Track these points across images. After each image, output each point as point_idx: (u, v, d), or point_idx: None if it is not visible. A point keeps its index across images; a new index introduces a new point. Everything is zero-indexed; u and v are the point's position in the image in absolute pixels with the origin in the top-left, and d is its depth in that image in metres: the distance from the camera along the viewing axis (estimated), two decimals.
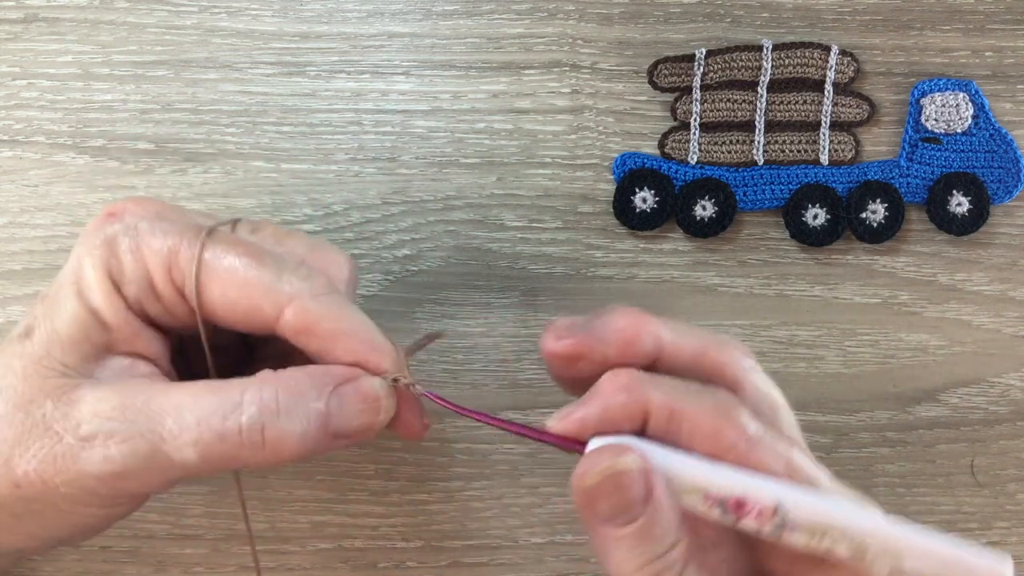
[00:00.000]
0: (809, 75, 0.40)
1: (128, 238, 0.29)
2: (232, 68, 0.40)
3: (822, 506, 0.26)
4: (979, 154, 0.40)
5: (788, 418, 0.30)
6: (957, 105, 0.40)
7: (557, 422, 0.28)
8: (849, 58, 0.40)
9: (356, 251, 0.40)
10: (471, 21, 0.40)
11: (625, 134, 0.40)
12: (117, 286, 0.28)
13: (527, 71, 0.40)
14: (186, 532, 0.40)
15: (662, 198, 0.40)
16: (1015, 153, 0.40)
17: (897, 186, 0.40)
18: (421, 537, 0.41)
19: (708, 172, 0.40)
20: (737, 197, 0.40)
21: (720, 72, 0.40)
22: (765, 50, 0.40)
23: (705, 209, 0.40)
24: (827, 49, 0.40)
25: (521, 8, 0.40)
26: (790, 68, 0.40)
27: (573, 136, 0.40)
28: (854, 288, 0.41)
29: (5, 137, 0.40)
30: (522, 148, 0.40)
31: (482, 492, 0.41)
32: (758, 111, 0.40)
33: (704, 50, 0.40)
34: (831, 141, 0.40)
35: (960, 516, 0.41)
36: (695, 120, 0.40)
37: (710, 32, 0.40)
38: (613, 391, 0.28)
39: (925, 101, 0.40)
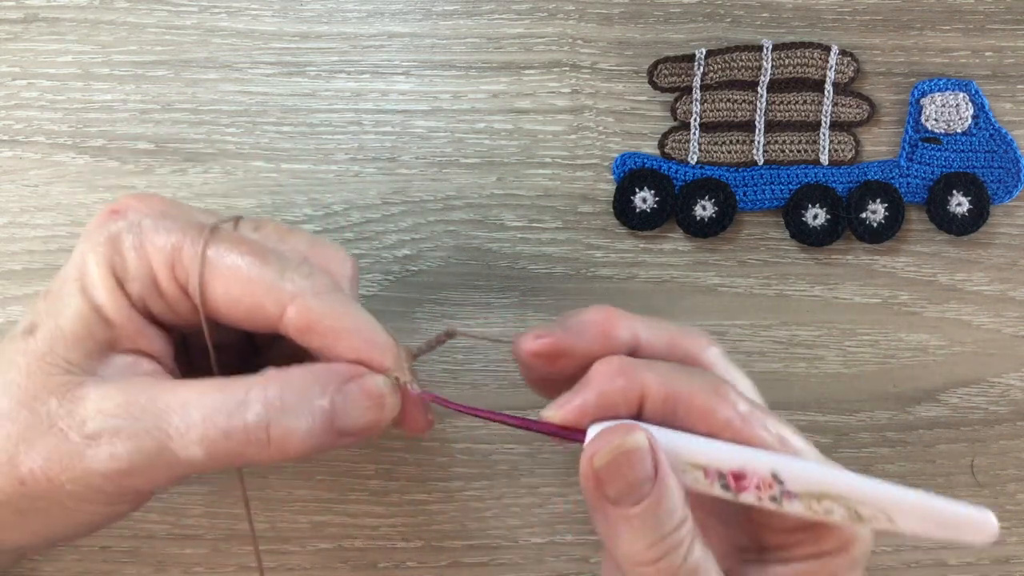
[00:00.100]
0: (809, 75, 0.40)
1: (132, 235, 0.29)
2: (232, 68, 0.40)
3: (817, 473, 0.27)
4: (979, 154, 0.40)
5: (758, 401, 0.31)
6: (957, 105, 0.40)
7: (555, 411, 0.28)
8: (849, 58, 0.40)
9: (356, 251, 0.40)
10: (471, 21, 0.40)
11: (625, 134, 0.40)
12: (121, 283, 0.28)
13: (527, 71, 0.40)
14: (186, 532, 0.40)
15: (662, 198, 0.40)
16: (1015, 153, 0.40)
17: (897, 186, 0.40)
18: (421, 537, 0.41)
19: (708, 172, 0.40)
20: (737, 197, 0.40)
21: (720, 72, 0.40)
22: (765, 50, 0.40)
23: (705, 209, 0.40)
24: (827, 49, 0.40)
25: (521, 8, 0.40)
26: (790, 68, 0.40)
27: (573, 136, 0.40)
28: (854, 288, 0.41)
29: (5, 137, 0.40)
30: (522, 148, 0.40)
31: (482, 492, 0.41)
32: (758, 111, 0.40)
33: (704, 50, 0.40)
34: (831, 141, 0.40)
35: None
36: (695, 120, 0.40)
37: (710, 32, 0.40)
38: (609, 376, 0.28)
39: (925, 101, 0.40)
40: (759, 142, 0.40)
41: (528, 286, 0.41)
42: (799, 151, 0.41)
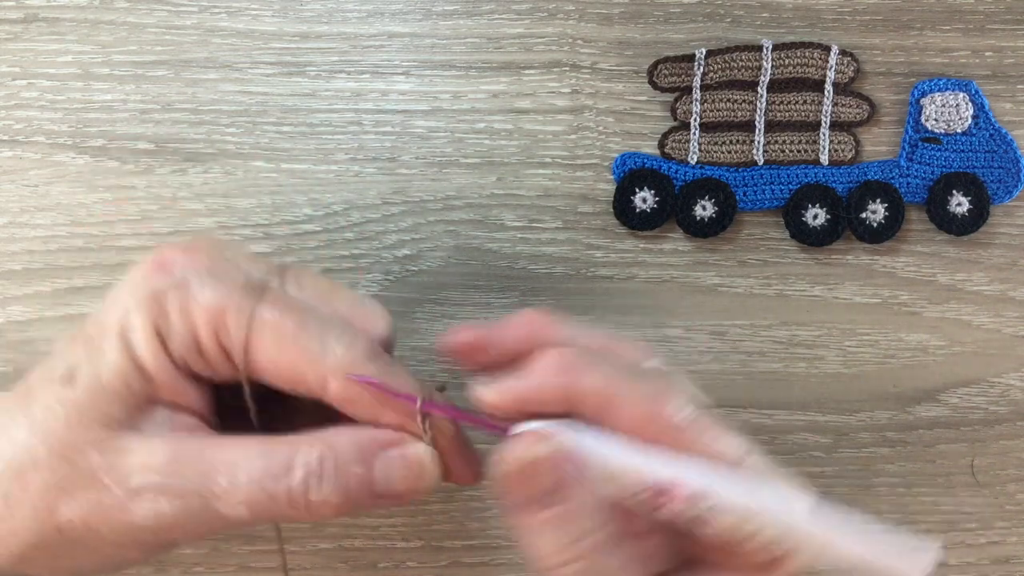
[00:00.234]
0: (809, 75, 0.40)
1: (177, 295, 0.28)
2: (232, 68, 0.40)
3: (744, 496, 0.27)
4: (979, 154, 0.40)
5: None
6: (957, 105, 0.40)
7: (490, 393, 0.28)
8: (849, 58, 0.40)
9: (356, 251, 0.40)
10: (471, 21, 0.40)
11: (625, 134, 0.40)
12: (164, 342, 0.28)
13: (527, 71, 0.40)
14: None
15: (662, 198, 0.40)
16: (1015, 153, 0.40)
17: (897, 186, 0.40)
18: (421, 537, 0.41)
19: (708, 172, 0.40)
20: (737, 197, 0.40)
21: (720, 72, 0.40)
22: (765, 50, 0.40)
23: (705, 209, 0.40)
24: (827, 49, 0.40)
25: (521, 8, 0.40)
26: (790, 68, 0.40)
27: (573, 136, 0.40)
28: (854, 288, 0.41)
29: (5, 137, 0.40)
30: (522, 148, 0.40)
31: (482, 492, 0.41)
32: (758, 111, 0.40)
33: (704, 50, 0.40)
34: (831, 141, 0.40)
35: (960, 516, 0.41)
36: (695, 120, 0.40)
37: (710, 32, 0.40)
38: (549, 372, 0.28)
39: (925, 101, 0.40)
40: (759, 142, 0.40)
41: (528, 286, 0.41)
42: (799, 151, 0.41)
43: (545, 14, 0.40)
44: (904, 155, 0.40)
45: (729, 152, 0.41)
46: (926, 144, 0.40)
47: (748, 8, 0.40)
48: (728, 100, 0.40)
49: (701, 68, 0.40)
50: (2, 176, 0.40)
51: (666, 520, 0.27)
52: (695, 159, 0.41)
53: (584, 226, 0.41)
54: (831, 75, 0.40)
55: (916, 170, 0.40)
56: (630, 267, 0.41)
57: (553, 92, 0.40)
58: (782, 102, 0.40)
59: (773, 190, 0.40)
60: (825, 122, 0.40)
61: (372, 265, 0.40)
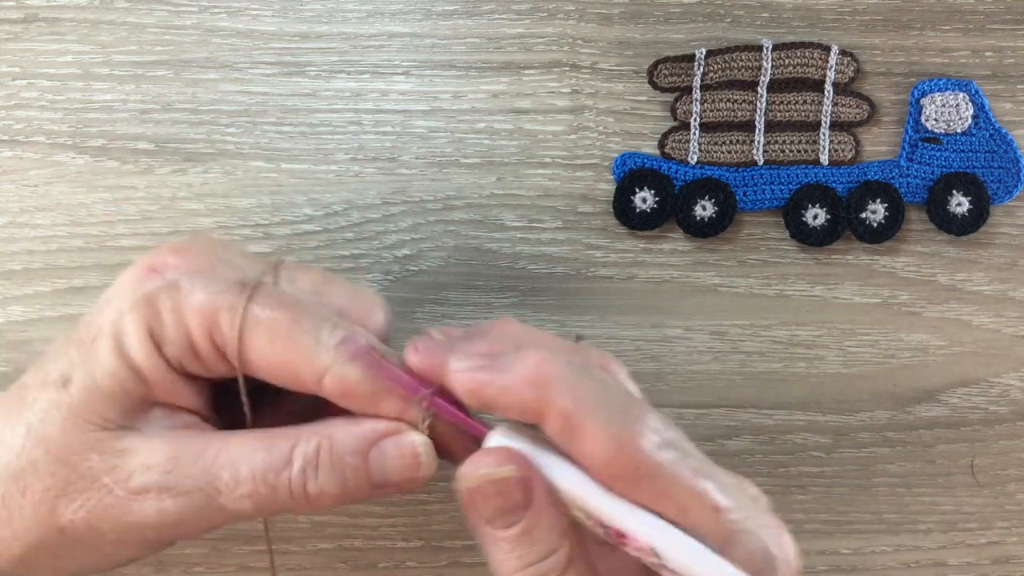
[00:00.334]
0: (809, 75, 0.40)
1: (169, 297, 0.28)
2: (232, 68, 0.40)
3: (695, 561, 0.26)
4: (979, 154, 0.40)
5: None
6: (957, 105, 0.40)
7: (463, 369, 0.28)
8: (849, 58, 0.40)
9: (356, 251, 0.40)
10: (471, 21, 0.40)
11: (625, 134, 0.40)
12: (158, 345, 0.28)
13: (527, 71, 0.40)
14: None
15: (662, 198, 0.40)
16: (1015, 153, 0.40)
17: (897, 186, 0.40)
18: (421, 537, 0.41)
19: (708, 172, 0.40)
20: (737, 197, 0.40)
21: (720, 72, 0.40)
22: (765, 50, 0.40)
23: (705, 209, 0.40)
24: (827, 49, 0.40)
25: (521, 8, 0.40)
26: (790, 68, 0.40)
27: (573, 136, 0.40)
28: (854, 288, 0.41)
29: (5, 137, 0.40)
30: (522, 148, 0.40)
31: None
32: (758, 111, 0.40)
33: (704, 50, 0.40)
34: (831, 141, 0.40)
35: (960, 516, 0.41)
36: (695, 120, 0.40)
37: (710, 32, 0.40)
38: (523, 379, 0.27)
39: (925, 101, 0.40)
40: (759, 142, 0.40)
41: (528, 286, 0.41)
42: (799, 151, 0.41)
43: (545, 14, 0.40)
44: (904, 155, 0.40)
45: (729, 152, 0.41)
46: (926, 144, 0.40)
47: (748, 8, 0.40)
48: (728, 100, 0.40)
49: (701, 68, 0.40)
50: (2, 176, 0.40)
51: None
52: (695, 159, 0.41)
53: (584, 226, 0.41)
54: (831, 75, 0.40)
55: (916, 170, 0.40)
56: (630, 267, 0.41)
57: (553, 92, 0.40)
58: (782, 102, 0.40)
59: (773, 190, 0.40)
60: (825, 122, 0.40)
61: (372, 265, 0.40)
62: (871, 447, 0.41)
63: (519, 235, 0.41)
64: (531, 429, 0.28)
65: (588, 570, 0.28)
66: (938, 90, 0.40)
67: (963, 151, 0.40)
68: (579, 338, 0.31)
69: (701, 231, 0.40)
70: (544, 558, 0.27)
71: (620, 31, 0.40)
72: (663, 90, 0.40)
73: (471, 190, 0.40)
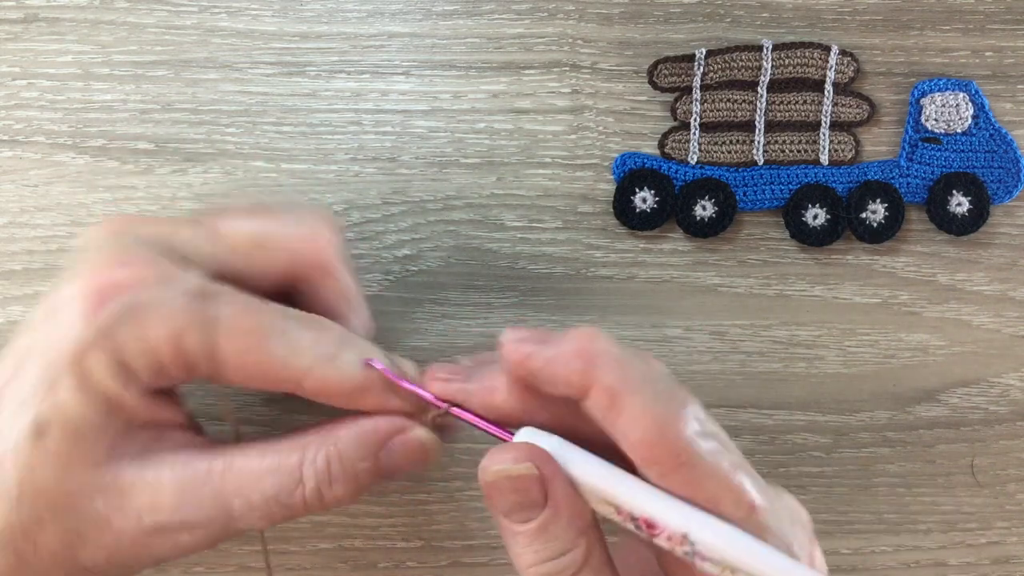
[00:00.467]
0: (809, 75, 0.40)
1: (130, 327, 0.27)
2: (232, 68, 0.40)
3: (732, 546, 0.26)
4: (979, 154, 0.40)
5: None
6: (957, 105, 0.40)
7: (513, 340, 0.28)
8: (849, 58, 0.40)
9: (356, 251, 0.40)
10: (471, 21, 0.40)
11: (625, 134, 0.40)
12: (128, 376, 0.28)
13: (527, 71, 0.40)
14: None
15: (662, 198, 0.40)
16: (1015, 153, 0.40)
17: (897, 186, 0.40)
18: (421, 537, 0.41)
19: (708, 172, 0.40)
20: (737, 197, 0.40)
21: (720, 72, 0.40)
22: (765, 50, 0.40)
23: (705, 209, 0.40)
24: (827, 49, 0.40)
25: (521, 8, 0.40)
26: (790, 68, 0.40)
27: (573, 136, 0.40)
28: (854, 288, 0.41)
29: (5, 137, 0.40)
30: (522, 148, 0.40)
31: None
32: (758, 111, 0.40)
33: (704, 50, 0.40)
34: (831, 141, 0.40)
35: (960, 516, 0.41)
36: (695, 120, 0.40)
37: (710, 32, 0.40)
38: (571, 353, 0.27)
39: (925, 101, 0.40)
40: (759, 142, 0.40)
41: (528, 286, 0.41)
42: (799, 151, 0.41)
43: (545, 14, 0.40)
44: (904, 155, 0.40)
45: (729, 152, 0.41)
46: (926, 144, 0.40)
47: (748, 8, 0.40)
48: (728, 100, 0.40)
49: (701, 68, 0.40)
50: (2, 176, 0.40)
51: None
52: (695, 159, 0.41)
53: (584, 226, 0.41)
54: (831, 75, 0.40)
55: (916, 170, 0.40)
56: (630, 267, 0.41)
57: (553, 92, 0.40)
58: (782, 102, 0.40)
59: (773, 190, 0.40)
60: (825, 122, 0.40)
61: (372, 265, 0.40)
62: (871, 447, 0.41)
63: (519, 235, 0.41)
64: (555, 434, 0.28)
65: (605, 569, 0.28)
66: (938, 90, 0.40)
67: (963, 151, 0.40)
68: None
69: (701, 231, 0.40)
70: (560, 555, 0.27)
71: (620, 31, 0.40)
72: (663, 90, 0.40)
73: (471, 190, 0.40)
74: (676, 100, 0.40)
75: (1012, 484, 0.41)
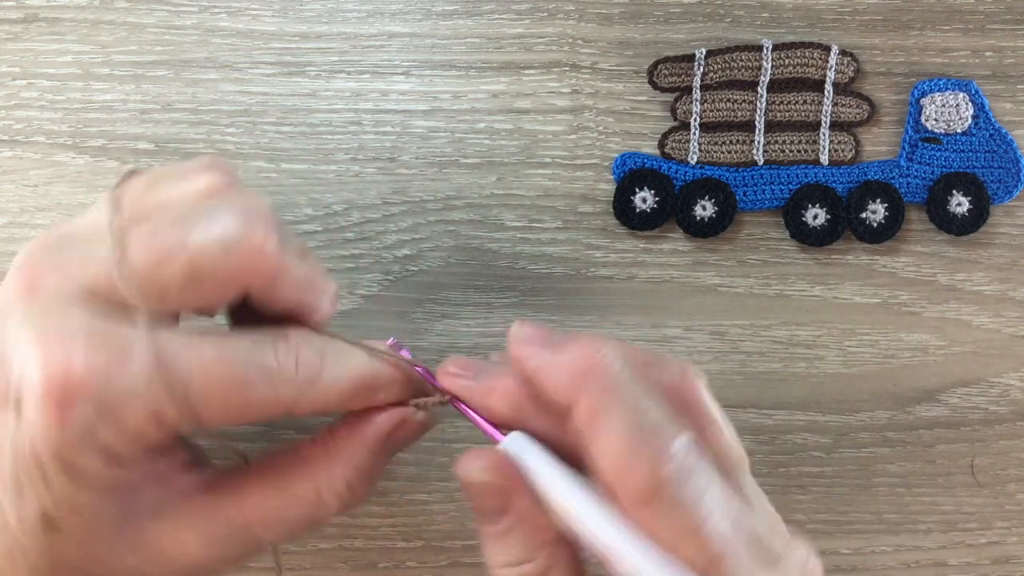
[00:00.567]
0: (809, 75, 0.40)
1: (107, 426, 0.26)
2: (232, 68, 0.40)
3: None
4: (979, 154, 0.40)
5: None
6: (957, 105, 0.40)
7: (518, 337, 0.28)
8: (849, 58, 0.40)
9: (356, 251, 0.40)
10: (471, 21, 0.40)
11: (625, 134, 0.40)
12: (120, 461, 0.27)
13: (527, 71, 0.40)
14: None
15: (662, 198, 0.40)
16: (1015, 153, 0.40)
17: (897, 186, 0.40)
18: (421, 537, 0.41)
19: (708, 172, 0.40)
20: (737, 197, 0.40)
21: (720, 72, 0.40)
22: (765, 50, 0.40)
23: (705, 209, 0.40)
24: (827, 49, 0.40)
25: (521, 8, 0.40)
26: (790, 68, 0.40)
27: (573, 136, 0.40)
28: (854, 288, 0.41)
29: (5, 137, 0.40)
30: (522, 148, 0.40)
31: None
32: (758, 111, 0.40)
33: (704, 50, 0.40)
34: (831, 141, 0.40)
35: (960, 516, 0.41)
36: (695, 120, 0.40)
37: (710, 32, 0.40)
38: (567, 363, 0.27)
39: (925, 101, 0.40)
40: (759, 142, 0.40)
41: (528, 286, 0.41)
42: (799, 151, 0.41)
43: (545, 14, 0.40)
44: (904, 155, 0.40)
45: (729, 152, 0.41)
46: (926, 144, 0.40)
47: (748, 8, 0.40)
48: (728, 100, 0.40)
49: (701, 68, 0.40)
50: (2, 176, 0.40)
51: None
52: (695, 159, 0.41)
53: (584, 226, 0.41)
54: (831, 75, 0.40)
55: (916, 170, 0.40)
56: (630, 267, 0.41)
57: (553, 92, 0.40)
58: (782, 102, 0.40)
59: (773, 190, 0.40)
60: (825, 122, 0.40)
61: (372, 265, 0.40)
62: (871, 447, 0.41)
63: (519, 235, 0.41)
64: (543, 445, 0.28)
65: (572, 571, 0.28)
66: (938, 90, 0.40)
67: (963, 151, 0.40)
68: None
69: (701, 231, 0.40)
70: (520, 563, 0.27)
71: (620, 31, 0.40)
72: (663, 90, 0.40)
73: (471, 190, 0.40)
74: (676, 100, 0.40)
75: (1012, 484, 0.41)
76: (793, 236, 0.40)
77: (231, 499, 0.29)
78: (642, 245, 0.41)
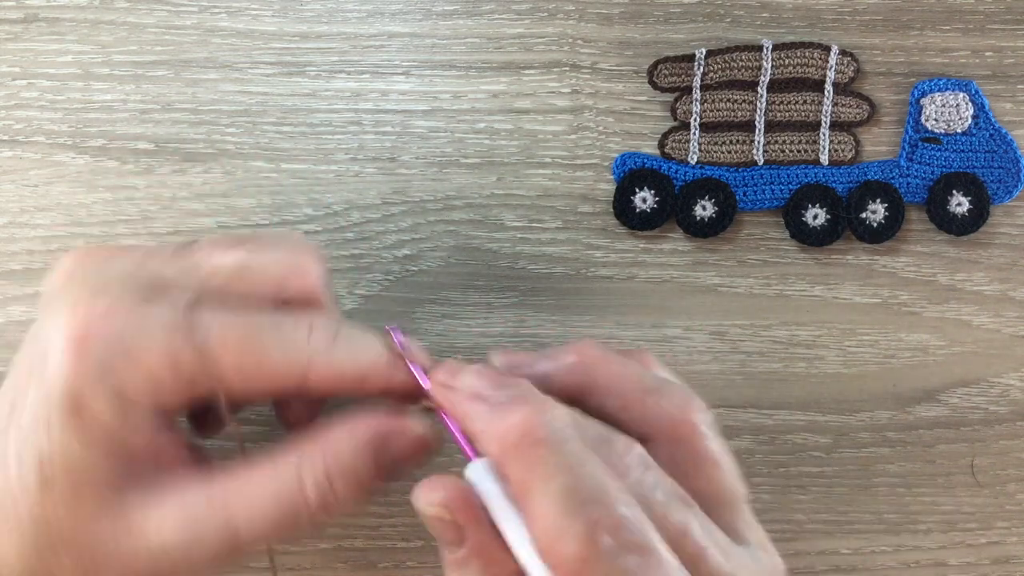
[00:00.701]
0: (809, 75, 0.40)
1: (123, 359, 0.27)
2: (232, 68, 0.40)
3: None
4: (979, 154, 0.40)
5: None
6: (957, 105, 0.40)
7: (468, 376, 0.28)
8: (849, 58, 0.40)
9: (356, 251, 0.40)
10: (471, 21, 0.40)
11: (625, 134, 0.40)
12: (128, 408, 0.28)
13: (527, 71, 0.40)
14: None
15: (662, 198, 0.40)
16: (1015, 153, 0.40)
17: (897, 186, 0.40)
18: (421, 537, 0.41)
19: (708, 172, 0.40)
20: (737, 197, 0.40)
21: (720, 72, 0.40)
22: (765, 50, 0.40)
23: (705, 209, 0.40)
24: (827, 49, 0.40)
25: (521, 8, 0.40)
26: (790, 68, 0.40)
27: (573, 136, 0.40)
28: (854, 288, 0.41)
29: (5, 137, 0.40)
30: (522, 148, 0.40)
31: None
32: (758, 111, 0.40)
33: (704, 50, 0.40)
34: (831, 141, 0.40)
35: (960, 516, 0.41)
36: (695, 120, 0.40)
37: (710, 32, 0.40)
38: (503, 430, 0.26)
39: (925, 101, 0.40)
40: (759, 142, 0.40)
41: (528, 286, 0.41)
42: (799, 151, 0.41)
43: (545, 14, 0.40)
44: (904, 155, 0.40)
45: (729, 152, 0.41)
46: (926, 144, 0.40)
47: (748, 8, 0.40)
48: (728, 100, 0.40)
49: (701, 68, 0.40)
50: (2, 176, 0.40)
51: None
52: (695, 159, 0.41)
53: (584, 226, 0.41)
54: (831, 75, 0.40)
55: (916, 170, 0.40)
56: (630, 267, 0.41)
57: (553, 92, 0.40)
58: (782, 102, 0.40)
59: (773, 190, 0.40)
60: (825, 122, 0.40)
61: (372, 265, 0.40)
62: (871, 447, 0.41)
63: (519, 235, 0.41)
64: None
65: None
66: (938, 90, 0.40)
67: (963, 151, 0.40)
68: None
69: (701, 231, 0.40)
70: None
71: (620, 31, 0.40)
72: (663, 90, 0.40)
73: (471, 190, 0.40)
74: (676, 100, 0.40)
75: (1012, 484, 0.41)
76: (793, 236, 0.40)
77: (215, 487, 0.29)
78: (642, 245, 0.41)
